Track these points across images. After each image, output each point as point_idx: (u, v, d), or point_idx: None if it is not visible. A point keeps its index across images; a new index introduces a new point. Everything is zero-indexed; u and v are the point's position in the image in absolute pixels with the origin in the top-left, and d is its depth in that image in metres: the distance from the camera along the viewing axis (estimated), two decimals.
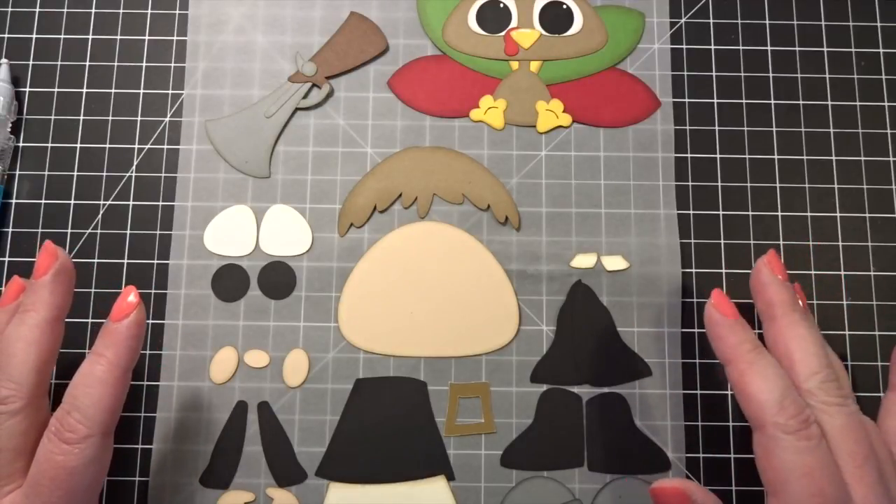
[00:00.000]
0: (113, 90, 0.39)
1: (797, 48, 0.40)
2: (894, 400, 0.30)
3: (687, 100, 0.39)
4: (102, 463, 0.29)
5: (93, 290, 0.37)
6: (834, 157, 0.39)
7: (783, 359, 0.28)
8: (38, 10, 0.40)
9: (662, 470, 0.36)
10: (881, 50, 0.40)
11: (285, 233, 0.38)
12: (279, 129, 0.38)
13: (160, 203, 0.38)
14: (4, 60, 0.38)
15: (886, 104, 0.39)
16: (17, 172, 0.38)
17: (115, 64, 0.39)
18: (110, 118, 0.39)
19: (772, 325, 0.29)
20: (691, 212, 0.38)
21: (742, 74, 0.40)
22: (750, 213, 0.38)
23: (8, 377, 0.28)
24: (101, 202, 0.38)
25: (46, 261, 0.30)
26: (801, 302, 0.31)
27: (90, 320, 0.37)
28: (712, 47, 0.40)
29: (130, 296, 0.30)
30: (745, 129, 0.39)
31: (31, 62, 0.39)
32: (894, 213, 0.38)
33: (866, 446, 0.27)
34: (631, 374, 0.36)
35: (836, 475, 0.26)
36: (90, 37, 0.40)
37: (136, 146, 0.38)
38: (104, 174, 0.38)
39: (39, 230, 0.38)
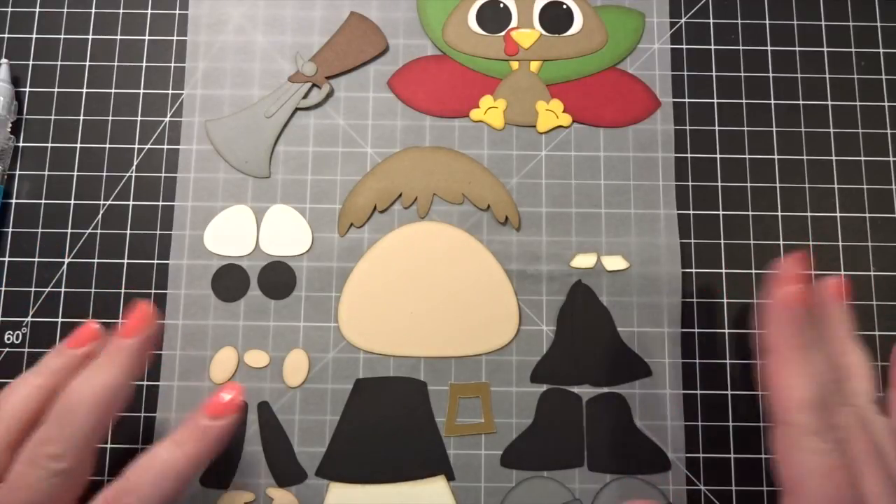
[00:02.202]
0: (113, 90, 0.39)
1: (797, 48, 0.40)
2: (894, 398, 0.30)
3: (687, 100, 0.39)
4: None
5: (93, 290, 0.37)
6: (834, 157, 0.39)
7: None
8: (38, 10, 0.40)
9: (662, 470, 0.36)
10: (881, 50, 0.40)
11: (285, 233, 0.38)
12: (279, 129, 0.38)
13: (160, 203, 0.38)
14: (4, 60, 0.38)
15: (886, 104, 0.39)
16: (17, 172, 0.38)
17: (115, 64, 0.39)
18: (110, 118, 0.39)
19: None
20: (691, 212, 0.38)
21: (742, 74, 0.40)
22: (750, 213, 0.38)
23: (64, 437, 0.26)
24: (101, 202, 0.38)
25: (138, 324, 0.28)
26: (840, 298, 0.30)
27: (90, 320, 0.37)
28: (712, 47, 0.40)
29: (233, 394, 0.28)
30: (745, 129, 0.39)
31: (31, 62, 0.39)
32: (894, 213, 0.38)
33: (875, 448, 0.27)
34: (631, 374, 0.36)
35: (851, 479, 0.26)
36: (90, 37, 0.40)
37: (136, 146, 0.39)
38: (104, 174, 0.38)
39: (39, 230, 0.38)
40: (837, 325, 0.30)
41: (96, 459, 0.29)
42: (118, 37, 0.40)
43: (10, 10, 0.40)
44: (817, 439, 0.26)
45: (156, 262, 0.37)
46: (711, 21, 0.40)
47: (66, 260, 0.37)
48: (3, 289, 0.37)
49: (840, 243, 0.38)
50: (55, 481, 0.26)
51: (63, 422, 0.27)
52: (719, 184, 0.38)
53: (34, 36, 0.40)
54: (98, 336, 0.29)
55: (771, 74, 0.40)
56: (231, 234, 0.38)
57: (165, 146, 0.39)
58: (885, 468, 0.27)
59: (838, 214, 0.38)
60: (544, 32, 0.40)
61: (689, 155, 0.39)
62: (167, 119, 0.39)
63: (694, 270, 0.38)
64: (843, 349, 0.29)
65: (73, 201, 0.38)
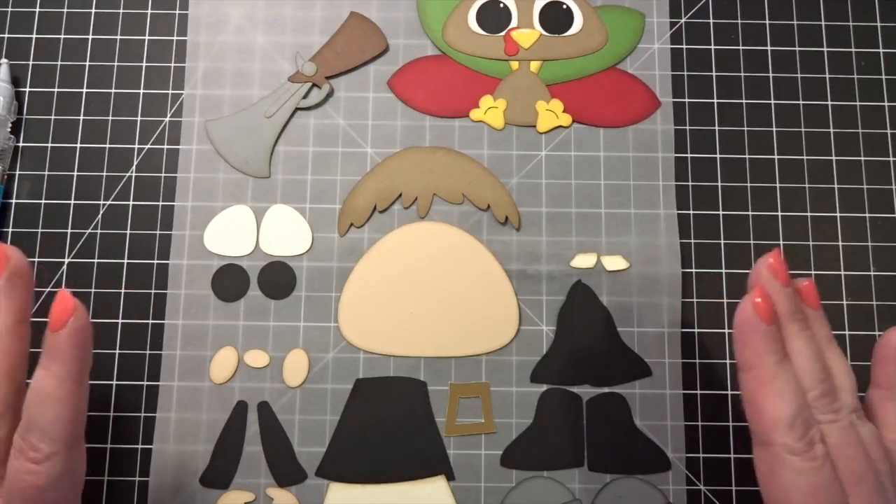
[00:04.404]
0: (113, 90, 0.39)
1: (797, 48, 0.40)
2: (875, 398, 0.30)
3: (687, 100, 0.39)
4: (74, 475, 0.27)
5: (93, 290, 0.37)
6: (834, 157, 0.39)
7: None
8: (38, 10, 0.40)
9: (662, 470, 0.36)
10: (881, 50, 0.40)
11: (285, 233, 0.38)
12: (279, 129, 0.38)
13: (160, 203, 0.38)
14: (4, 60, 0.38)
15: (886, 104, 0.39)
16: (17, 172, 0.38)
17: (115, 64, 0.39)
18: (110, 118, 0.39)
19: None
20: (691, 212, 0.38)
21: (742, 74, 0.40)
22: (750, 213, 0.38)
23: None
24: (101, 202, 0.38)
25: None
26: (812, 302, 0.30)
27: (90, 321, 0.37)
28: (712, 47, 0.40)
29: (63, 298, 0.27)
30: (745, 129, 0.39)
31: (31, 62, 0.39)
32: (894, 213, 0.38)
33: (861, 462, 0.26)
34: (631, 374, 0.36)
35: (838, 495, 0.25)
36: (90, 37, 0.40)
37: (136, 146, 0.39)
38: (104, 174, 0.38)
39: (39, 230, 0.38)
40: (818, 331, 0.29)
41: (18, 417, 0.28)
42: (118, 37, 0.40)
43: (10, 10, 0.40)
44: (799, 459, 0.25)
45: (156, 262, 0.37)
46: (711, 21, 0.40)
47: (66, 260, 0.37)
48: None
49: (840, 243, 0.38)
50: None
51: None
52: (719, 184, 0.38)
53: (34, 36, 0.40)
54: None
55: (771, 74, 0.40)
56: (231, 234, 0.38)
57: (165, 146, 0.39)
58: (874, 481, 0.26)
59: (838, 214, 0.38)
60: (544, 32, 0.40)
61: (689, 155, 0.39)
62: (167, 119, 0.39)
63: (694, 270, 0.38)
64: (824, 356, 0.29)
65: (73, 201, 0.38)
